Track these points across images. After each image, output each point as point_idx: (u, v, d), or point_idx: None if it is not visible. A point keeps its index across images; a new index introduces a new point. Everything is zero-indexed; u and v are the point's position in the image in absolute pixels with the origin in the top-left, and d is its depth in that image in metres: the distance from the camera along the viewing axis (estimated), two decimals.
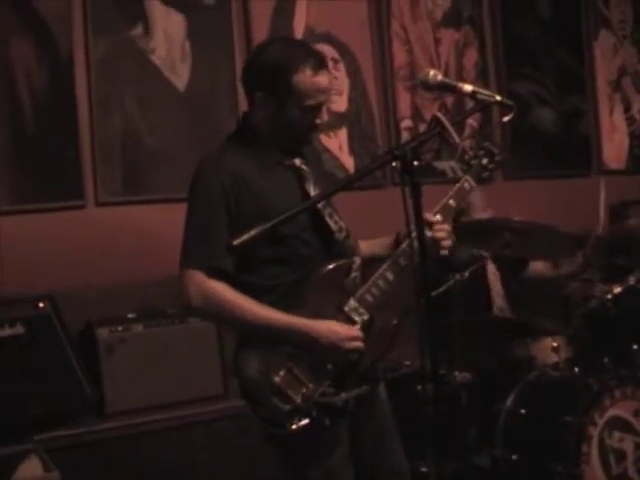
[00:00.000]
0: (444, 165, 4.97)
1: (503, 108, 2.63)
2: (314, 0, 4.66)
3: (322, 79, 2.63)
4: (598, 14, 5.99)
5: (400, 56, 4.87)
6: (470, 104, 2.61)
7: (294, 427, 2.48)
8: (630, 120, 6.19)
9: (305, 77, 2.60)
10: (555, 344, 4.03)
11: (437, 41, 5.05)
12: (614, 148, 6.08)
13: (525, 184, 5.39)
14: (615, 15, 6.10)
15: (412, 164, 2.26)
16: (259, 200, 2.59)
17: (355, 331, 2.58)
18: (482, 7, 5.30)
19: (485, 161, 2.90)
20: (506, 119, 2.61)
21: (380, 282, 2.66)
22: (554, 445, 3.60)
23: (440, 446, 3.06)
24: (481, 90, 2.54)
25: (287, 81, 2.59)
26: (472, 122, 5.05)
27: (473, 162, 2.90)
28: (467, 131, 5.03)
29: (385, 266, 2.66)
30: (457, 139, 2.40)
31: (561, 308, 4.52)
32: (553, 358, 4.00)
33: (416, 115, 4.89)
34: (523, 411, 3.74)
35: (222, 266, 2.51)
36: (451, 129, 2.40)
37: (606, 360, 4.07)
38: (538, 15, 5.61)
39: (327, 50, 4.55)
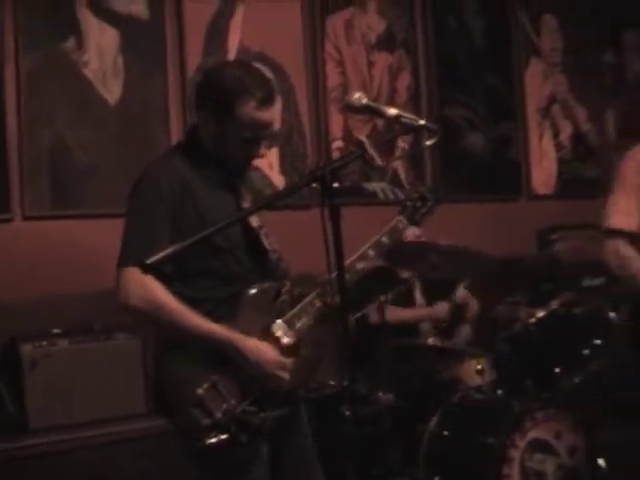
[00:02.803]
0: (375, 187, 5.01)
1: (427, 132, 2.67)
2: (249, 19, 4.68)
3: (265, 115, 2.64)
4: (529, 42, 6.11)
5: (333, 77, 4.90)
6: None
7: (211, 441, 2.47)
8: (559, 146, 6.30)
9: (248, 109, 2.61)
10: (479, 367, 4.07)
11: (370, 64, 5.10)
12: (543, 174, 6.17)
13: (455, 207, 5.43)
14: (545, 44, 6.22)
15: (332, 186, 2.28)
16: (199, 210, 2.60)
17: (283, 360, 2.60)
18: (416, 32, 5.36)
19: (419, 204, 3.01)
20: (429, 143, 2.64)
21: (308, 308, 2.69)
22: (476, 467, 3.63)
23: (363, 467, 3.08)
24: (405, 114, 2.57)
25: (230, 108, 2.60)
26: (403, 144, 5.10)
27: (408, 204, 3.00)
28: (397, 153, 5.07)
29: (314, 294, 2.71)
30: (379, 162, 2.42)
31: (488, 331, 4.58)
32: (477, 380, 4.04)
33: (347, 136, 4.92)
34: (446, 433, 3.76)
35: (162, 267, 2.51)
36: (374, 153, 2.43)
37: (529, 383, 4.14)
38: (471, 42, 5.69)
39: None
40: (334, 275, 2.40)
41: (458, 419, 3.81)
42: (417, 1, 5.36)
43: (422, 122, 2.57)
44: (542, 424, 3.69)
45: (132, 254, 2.50)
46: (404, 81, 5.26)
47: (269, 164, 4.58)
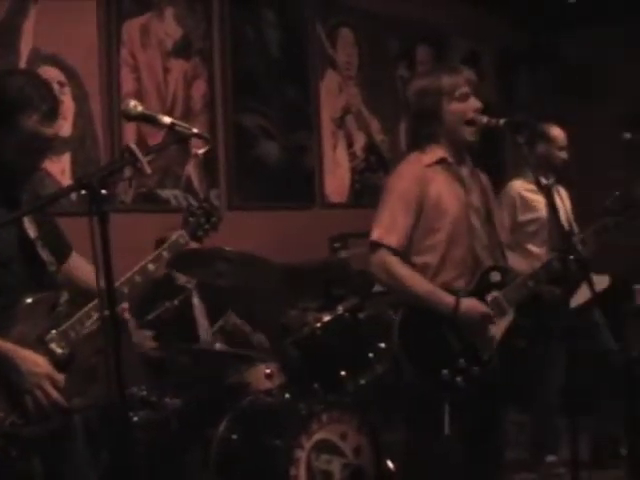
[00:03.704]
0: (168, 194, 5.01)
1: (200, 141, 2.75)
2: (42, 21, 4.58)
3: (48, 130, 2.62)
4: (325, 55, 6.27)
5: (128, 83, 4.86)
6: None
7: None
8: (352, 156, 6.49)
9: (30, 122, 2.58)
10: (269, 371, 4.16)
11: (166, 70, 5.09)
12: (336, 182, 6.34)
13: (248, 215, 5.52)
14: (341, 57, 6.41)
15: (100, 193, 2.30)
16: None
17: (55, 374, 2.59)
18: (213, 40, 5.38)
19: (202, 220, 3.06)
20: (200, 152, 2.75)
21: (85, 320, 2.70)
22: (265, 469, 3.73)
23: (153, 473, 3.10)
24: (179, 123, 2.64)
25: (12, 119, 2.57)
26: (197, 151, 5.13)
27: (191, 219, 3.04)
28: (191, 160, 5.10)
29: (91, 305, 2.72)
30: (148, 170, 2.47)
31: (279, 336, 4.68)
32: (267, 384, 4.13)
33: (141, 143, 4.89)
34: (235, 437, 3.83)
35: None
36: (143, 160, 2.47)
37: (316, 386, 4.26)
38: (268, 52, 5.78)
39: (53, 73, 4.46)
40: (117, 284, 2.42)
41: (247, 423, 3.89)
42: (215, 10, 5.39)
43: (195, 131, 2.64)
44: (328, 425, 3.82)
45: None
46: (200, 89, 5.29)
47: (61, 170, 4.48)
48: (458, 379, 3.32)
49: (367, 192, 6.55)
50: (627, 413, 3.29)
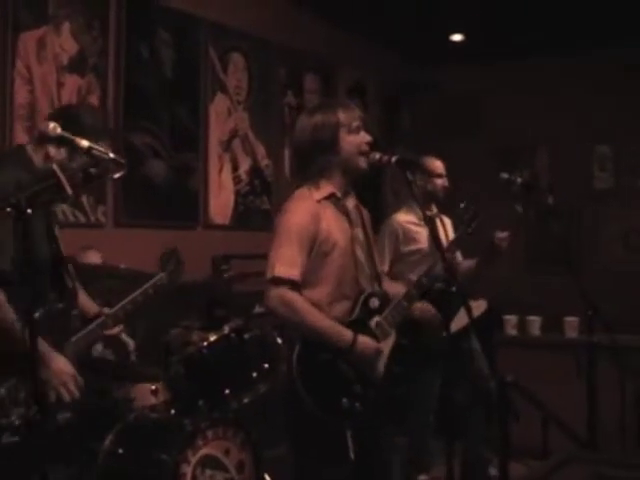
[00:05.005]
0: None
1: (115, 165, 2.84)
2: None
3: None
4: (216, 78, 6.37)
5: (21, 95, 4.84)
6: None
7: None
8: (237, 179, 6.59)
9: None
10: (154, 387, 4.23)
11: (60, 85, 5.09)
12: (220, 204, 6.43)
13: (135, 232, 5.55)
14: (231, 81, 6.52)
15: (25, 212, 2.38)
16: None
17: (79, 378, 3.09)
18: (108, 58, 5.42)
19: None
20: (117, 176, 2.84)
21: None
22: None
23: None
24: (96, 146, 2.72)
25: None
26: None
27: None
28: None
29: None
30: (69, 191, 2.56)
31: (162, 353, 4.73)
32: (152, 400, 4.19)
33: None
34: (121, 450, 3.88)
35: None
36: (65, 182, 2.55)
37: (201, 403, 4.34)
38: (161, 72, 5.84)
39: None
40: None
41: (133, 437, 3.94)
42: (111, 28, 5.42)
43: (112, 155, 2.73)
44: (212, 442, 3.92)
45: None
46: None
47: None
48: (357, 404, 3.44)
49: (250, 215, 6.68)
50: (498, 435, 3.48)
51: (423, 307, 4.65)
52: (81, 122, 3.18)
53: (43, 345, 2.96)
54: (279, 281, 3.39)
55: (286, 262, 3.40)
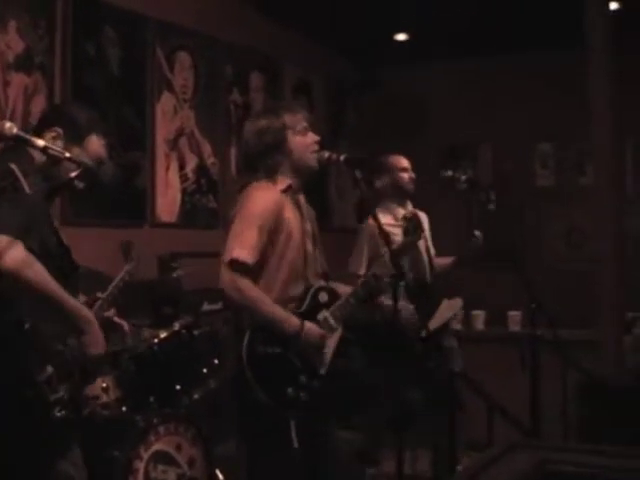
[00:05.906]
0: None
1: (73, 164, 2.87)
2: None
3: None
4: (162, 77, 6.37)
5: None
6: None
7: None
8: (184, 177, 6.60)
9: None
10: (105, 385, 4.24)
11: (6, 83, 5.06)
12: (167, 202, 6.44)
13: (82, 231, 5.53)
14: (178, 80, 6.53)
15: None
16: None
17: None
18: (54, 56, 5.39)
19: None
20: (73, 175, 2.86)
21: None
22: (103, 479, 3.81)
23: None
24: (52, 146, 2.74)
25: None
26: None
27: None
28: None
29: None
30: (28, 189, 2.58)
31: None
32: (103, 398, 4.20)
33: None
34: None
35: None
36: (23, 180, 2.57)
37: (152, 399, 4.37)
38: (108, 70, 5.84)
39: None
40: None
41: (86, 434, 3.95)
42: (58, 26, 5.40)
43: (67, 155, 2.75)
44: (164, 437, 3.96)
45: None
46: (39, 104, 5.27)
47: None
48: (302, 395, 3.52)
49: (196, 213, 6.69)
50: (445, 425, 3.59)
51: (403, 306, 4.69)
52: (78, 121, 3.22)
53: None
54: (235, 263, 3.49)
55: (245, 246, 3.50)
